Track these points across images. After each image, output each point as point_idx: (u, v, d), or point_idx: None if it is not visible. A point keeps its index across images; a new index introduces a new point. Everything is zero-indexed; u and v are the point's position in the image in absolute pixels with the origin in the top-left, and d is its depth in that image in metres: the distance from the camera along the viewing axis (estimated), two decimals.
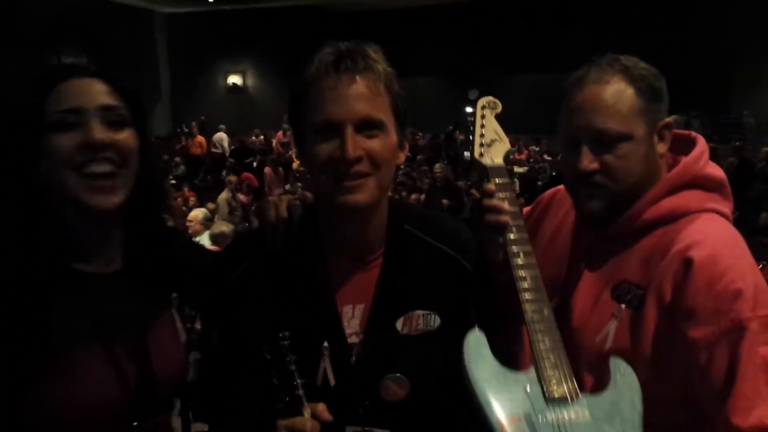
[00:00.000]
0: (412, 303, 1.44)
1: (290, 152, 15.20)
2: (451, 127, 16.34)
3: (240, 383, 1.44)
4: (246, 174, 12.87)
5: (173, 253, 1.53)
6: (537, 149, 16.30)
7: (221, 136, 17.35)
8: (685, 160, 1.56)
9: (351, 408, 1.39)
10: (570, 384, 1.36)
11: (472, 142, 1.60)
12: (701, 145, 1.59)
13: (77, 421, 1.30)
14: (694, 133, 1.65)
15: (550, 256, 1.61)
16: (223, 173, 13.72)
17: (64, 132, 1.32)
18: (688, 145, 1.61)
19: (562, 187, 1.81)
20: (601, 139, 1.49)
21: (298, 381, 1.29)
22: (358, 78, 1.33)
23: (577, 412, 1.33)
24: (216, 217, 9.19)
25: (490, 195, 1.51)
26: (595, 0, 17.27)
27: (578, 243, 1.63)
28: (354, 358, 1.41)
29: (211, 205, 9.79)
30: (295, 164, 12.93)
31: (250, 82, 21.51)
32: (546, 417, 1.31)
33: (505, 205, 1.48)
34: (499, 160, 1.57)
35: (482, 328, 1.40)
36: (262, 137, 18.28)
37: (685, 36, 16.55)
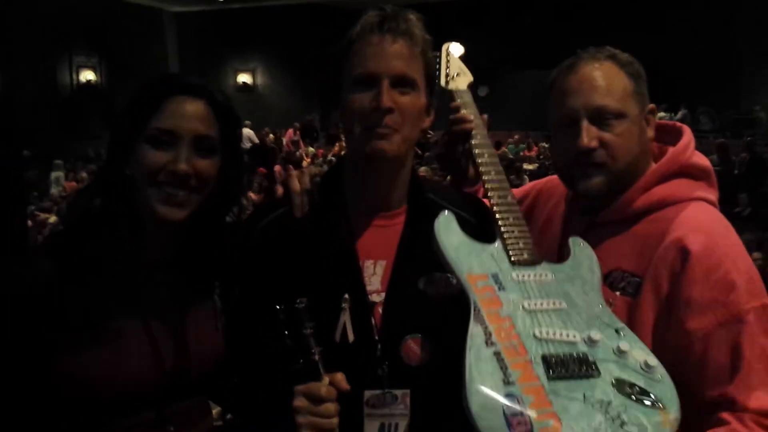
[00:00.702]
0: (434, 263, 1.47)
1: (300, 151, 15.23)
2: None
3: (258, 341, 1.48)
4: (261, 169, 12.88)
5: (221, 245, 1.57)
6: (547, 146, 16.28)
7: (248, 133, 17.28)
8: (673, 150, 1.62)
9: (369, 369, 1.42)
10: (532, 250, 1.49)
11: (439, 75, 1.82)
12: (687, 135, 1.65)
13: (111, 392, 1.35)
14: (680, 124, 1.72)
15: (541, 245, 1.64)
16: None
17: (156, 148, 1.40)
18: (675, 135, 1.67)
19: (553, 177, 1.86)
20: (599, 117, 1.56)
21: (315, 348, 1.33)
22: (399, 39, 1.45)
23: (541, 273, 1.46)
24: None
25: (456, 110, 1.75)
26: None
27: (569, 232, 1.66)
28: (375, 315, 1.45)
29: None
30: (305, 162, 12.96)
31: (259, 80, 21.53)
32: (512, 275, 1.44)
33: (470, 116, 1.73)
34: (463, 87, 1.86)
35: None
36: (271, 136, 18.28)
37: (694, 31, 16.47)
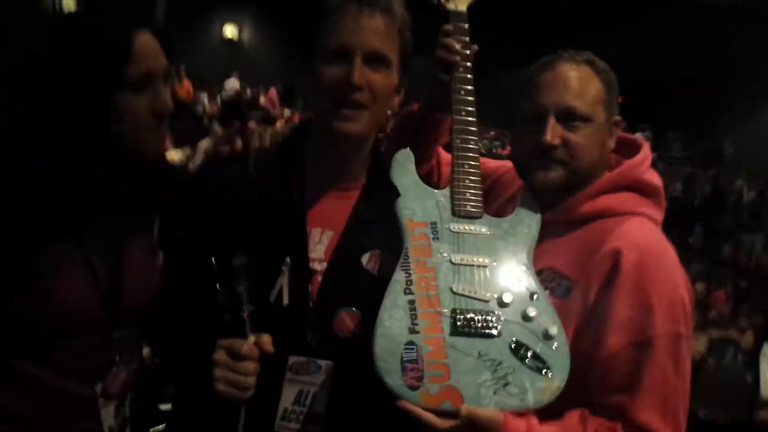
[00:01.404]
0: (380, 241, 1.49)
1: (275, 110, 15.05)
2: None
3: (191, 290, 1.47)
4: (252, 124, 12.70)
5: (161, 179, 1.55)
6: None
7: (233, 84, 16.92)
8: (628, 162, 1.64)
9: (298, 335, 1.42)
10: (477, 204, 1.54)
11: None
12: (645, 150, 1.68)
13: (55, 313, 1.33)
14: (640, 139, 1.74)
15: None
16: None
17: (136, 93, 1.36)
18: (633, 149, 1.69)
19: (509, 165, 1.86)
20: (566, 117, 1.57)
21: (246, 306, 1.33)
22: (377, 14, 1.42)
23: (478, 227, 1.51)
24: (190, 163, 9.10)
25: (446, 35, 1.65)
26: (596, 6, 17.29)
27: None
28: (313, 283, 1.45)
29: (186, 150, 9.69)
30: (279, 124, 12.82)
31: (246, 35, 21.18)
32: (448, 226, 1.50)
33: (456, 46, 1.63)
34: (462, 7, 1.71)
35: None
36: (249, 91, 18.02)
37: (682, 53, 16.54)
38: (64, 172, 1.36)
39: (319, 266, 1.46)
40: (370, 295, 1.43)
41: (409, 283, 1.42)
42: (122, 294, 1.43)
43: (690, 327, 1.50)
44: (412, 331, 1.37)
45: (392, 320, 1.38)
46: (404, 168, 1.56)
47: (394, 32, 1.45)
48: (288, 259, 1.44)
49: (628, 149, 1.70)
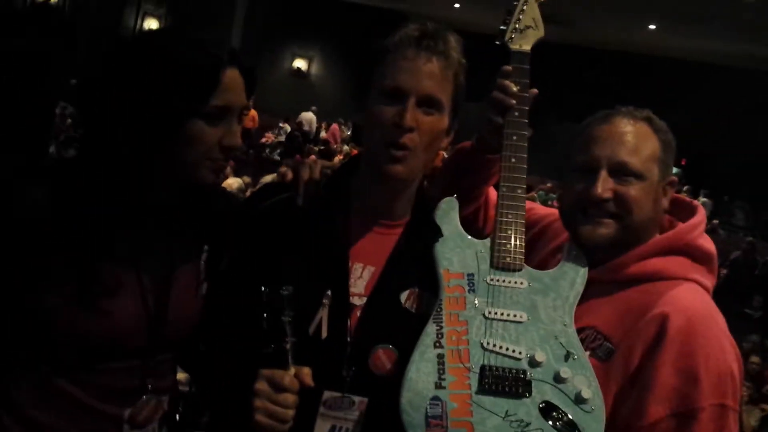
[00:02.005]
0: (420, 280, 1.49)
1: (336, 146, 15.26)
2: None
3: (235, 317, 1.48)
4: (298, 157, 12.96)
5: (216, 209, 1.57)
6: None
7: (311, 117, 17.32)
8: (681, 226, 1.58)
9: (334, 369, 1.42)
10: (517, 255, 1.49)
11: (507, 27, 1.67)
12: (700, 215, 1.62)
13: (101, 337, 1.35)
14: (695, 202, 1.68)
15: None
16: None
17: (209, 124, 1.37)
18: (688, 212, 1.64)
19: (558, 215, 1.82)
20: (619, 172, 1.53)
21: (290, 338, 1.33)
22: (434, 58, 1.43)
23: (516, 280, 1.47)
24: (249, 190, 9.27)
25: (504, 76, 1.61)
26: (655, 67, 17.12)
27: None
28: (352, 318, 1.45)
29: (246, 179, 9.87)
30: (338, 158, 12.98)
31: (314, 69, 21.66)
32: (486, 278, 1.47)
33: (513, 88, 1.58)
34: (527, 47, 1.66)
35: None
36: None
37: (745, 122, 16.24)
38: (126, 193, 1.38)
39: (358, 301, 1.46)
40: (406, 333, 1.43)
41: (439, 336, 1.40)
42: (166, 320, 1.44)
43: (738, 400, 1.42)
44: (438, 386, 1.35)
45: (419, 373, 1.36)
46: (447, 216, 1.55)
47: (449, 76, 1.45)
48: (329, 293, 1.44)
49: (683, 212, 1.65)
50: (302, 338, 1.37)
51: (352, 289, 1.47)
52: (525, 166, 1.55)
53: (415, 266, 1.50)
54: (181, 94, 1.33)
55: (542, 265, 1.68)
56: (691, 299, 1.48)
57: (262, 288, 1.37)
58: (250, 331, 1.39)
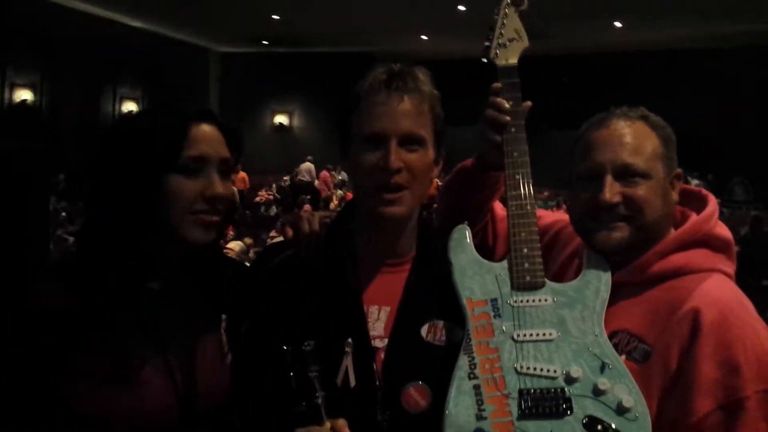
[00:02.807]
0: (437, 312, 1.49)
1: (329, 192, 15.34)
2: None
3: (262, 381, 1.46)
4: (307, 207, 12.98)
5: (226, 277, 1.58)
6: None
7: (309, 167, 17.52)
8: (696, 218, 1.58)
9: (369, 415, 1.40)
10: (537, 272, 1.47)
11: (490, 42, 1.65)
12: (712, 204, 1.61)
13: (130, 423, 1.35)
14: (705, 191, 1.67)
15: None
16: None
17: (188, 177, 1.42)
18: (699, 202, 1.63)
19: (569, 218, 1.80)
20: (624, 174, 1.52)
21: (320, 392, 1.32)
22: (406, 97, 1.44)
23: (541, 297, 1.45)
24: (251, 251, 9.28)
25: (495, 93, 1.60)
26: (639, 62, 17.34)
27: None
28: (377, 361, 1.43)
29: (248, 240, 9.90)
30: (333, 204, 13.02)
31: (296, 122, 21.87)
32: (510, 301, 1.45)
33: (506, 105, 1.57)
34: (513, 60, 1.64)
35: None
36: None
37: (732, 101, 16.41)
38: (135, 271, 1.41)
39: (380, 343, 1.45)
40: (433, 367, 1.42)
41: (472, 366, 1.38)
42: (196, 393, 1.44)
43: None
44: (480, 418, 1.33)
45: (458, 408, 1.34)
46: (461, 245, 1.53)
47: (424, 110, 1.46)
48: (350, 340, 1.43)
49: (694, 202, 1.64)
50: (331, 390, 1.35)
51: (372, 333, 1.46)
52: (530, 181, 1.54)
53: (429, 299, 1.49)
54: (153, 151, 1.40)
55: (561, 273, 1.69)
56: (719, 291, 1.46)
57: (285, 347, 1.36)
58: (279, 393, 1.37)
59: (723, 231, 1.57)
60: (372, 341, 1.45)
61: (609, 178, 1.52)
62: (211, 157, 1.44)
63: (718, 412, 1.36)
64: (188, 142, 1.42)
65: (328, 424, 1.31)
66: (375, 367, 1.43)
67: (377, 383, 1.42)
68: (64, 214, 11.02)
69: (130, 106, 18.45)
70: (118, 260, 1.40)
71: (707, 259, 1.53)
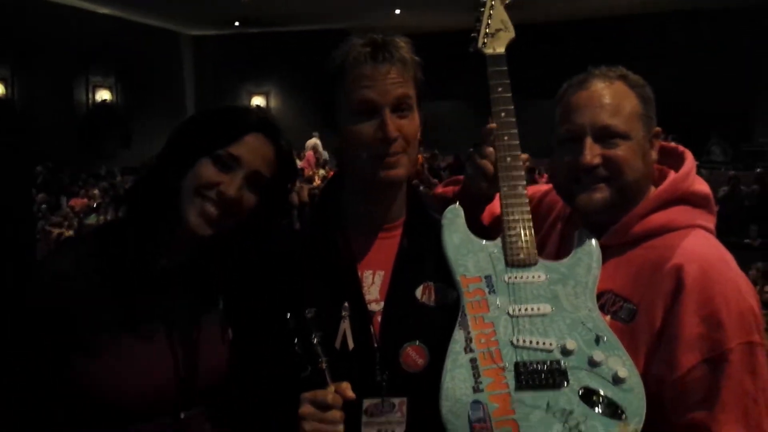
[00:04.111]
0: (430, 274, 1.53)
1: (312, 171, 15.30)
2: (472, 149, 16.36)
3: (264, 351, 1.51)
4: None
5: (231, 264, 1.60)
6: None
7: (315, 142, 17.30)
8: (674, 176, 1.59)
9: (369, 377, 1.44)
10: (530, 250, 1.50)
11: (478, 33, 1.68)
12: (690, 161, 1.63)
13: (134, 397, 1.39)
14: (681, 148, 1.68)
15: None
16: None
17: (216, 167, 1.47)
18: (676, 159, 1.65)
19: (545, 188, 1.83)
20: (604, 136, 1.53)
21: (323, 357, 1.36)
22: (392, 67, 1.47)
23: (533, 274, 1.48)
24: None
25: (487, 134, 1.61)
26: (613, 28, 17.36)
27: (565, 250, 1.64)
28: (374, 324, 1.47)
29: None
30: (316, 182, 13.01)
31: (273, 103, 21.71)
32: (504, 278, 1.48)
33: (493, 125, 1.59)
34: (500, 50, 1.67)
35: None
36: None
37: (708, 61, 16.50)
38: (145, 256, 1.46)
39: (376, 306, 1.50)
40: (429, 327, 1.48)
41: (468, 341, 1.41)
42: (197, 372, 1.47)
43: (762, 333, 1.44)
44: (477, 390, 1.36)
45: (455, 381, 1.37)
46: (454, 224, 1.54)
47: (410, 77, 1.50)
48: (346, 305, 1.47)
49: (671, 159, 1.66)
50: (331, 354, 1.40)
51: (368, 297, 1.50)
52: (521, 163, 1.57)
53: (422, 262, 1.54)
54: (208, 135, 1.49)
55: (545, 239, 1.73)
56: (700, 246, 1.49)
57: (287, 315, 1.40)
58: (283, 361, 1.43)
59: (701, 186, 1.59)
60: (368, 305, 1.49)
61: (589, 140, 1.53)
62: (244, 163, 1.48)
63: (702, 366, 1.39)
64: (238, 142, 1.48)
65: (332, 388, 1.35)
66: (372, 329, 1.47)
67: (375, 345, 1.46)
68: (44, 206, 10.93)
69: (104, 95, 18.23)
70: (142, 233, 1.46)
71: (687, 215, 1.55)
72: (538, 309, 1.44)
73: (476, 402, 1.35)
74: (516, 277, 1.47)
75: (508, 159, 1.57)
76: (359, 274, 1.52)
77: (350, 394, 1.35)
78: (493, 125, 1.60)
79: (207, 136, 1.48)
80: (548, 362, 1.38)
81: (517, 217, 1.52)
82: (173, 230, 1.48)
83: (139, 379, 1.38)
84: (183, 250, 1.52)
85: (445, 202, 1.68)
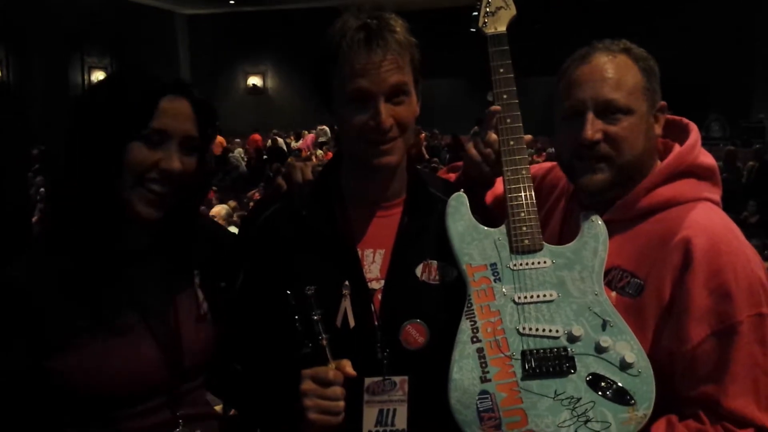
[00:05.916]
0: (430, 252, 1.52)
1: (310, 152, 15.26)
2: (475, 129, 16.37)
3: (264, 327, 1.51)
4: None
5: (198, 233, 1.59)
6: (554, 152, 16.16)
7: (326, 129, 17.14)
8: (680, 150, 1.58)
9: (370, 355, 1.45)
10: (535, 236, 1.48)
11: (479, 12, 1.66)
12: (695, 133, 1.61)
13: (124, 384, 1.38)
14: (686, 120, 1.66)
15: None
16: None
17: (148, 147, 1.41)
18: (682, 131, 1.63)
19: (547, 166, 1.82)
20: (606, 111, 1.51)
21: (323, 335, 1.37)
22: (387, 53, 1.42)
23: (539, 260, 1.47)
24: (236, 215, 9.28)
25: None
26: (612, 5, 17.22)
27: (569, 227, 1.64)
28: (374, 302, 1.47)
29: (232, 203, 9.89)
30: (314, 161, 12.95)
31: (270, 83, 21.60)
32: (509, 265, 1.47)
33: (497, 107, 1.57)
34: (502, 28, 1.64)
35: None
36: (290, 138, 18.29)
37: (707, 39, 16.41)
38: (99, 241, 1.41)
39: (377, 285, 1.49)
40: (430, 305, 1.48)
41: (475, 330, 1.41)
42: (181, 350, 1.47)
43: None
44: (484, 380, 1.36)
45: (462, 371, 1.38)
46: (458, 212, 1.52)
47: (405, 60, 1.45)
48: (347, 283, 1.47)
49: (675, 130, 1.64)
50: (332, 332, 1.40)
51: (368, 275, 1.50)
52: (524, 146, 1.55)
53: (422, 240, 1.53)
54: (121, 119, 1.39)
55: (548, 217, 1.72)
56: (708, 218, 1.48)
57: (288, 292, 1.40)
58: (282, 338, 1.43)
59: (707, 159, 1.58)
60: (369, 283, 1.49)
61: (591, 116, 1.51)
62: (173, 132, 1.43)
63: (712, 338, 1.39)
64: (156, 113, 1.41)
65: (332, 365, 1.35)
66: (373, 307, 1.47)
67: (376, 323, 1.46)
68: (42, 189, 10.90)
69: (99, 76, 18.11)
70: (88, 224, 1.41)
71: (694, 188, 1.54)
72: (544, 295, 1.43)
73: (484, 392, 1.36)
74: (521, 264, 1.46)
75: (511, 142, 1.54)
76: (360, 252, 1.51)
77: (350, 371, 1.36)
78: (497, 107, 1.58)
79: (122, 120, 1.39)
80: (555, 349, 1.38)
81: (521, 202, 1.50)
82: (123, 217, 1.44)
83: (124, 370, 1.38)
84: (143, 230, 1.49)
85: (448, 184, 1.68)
